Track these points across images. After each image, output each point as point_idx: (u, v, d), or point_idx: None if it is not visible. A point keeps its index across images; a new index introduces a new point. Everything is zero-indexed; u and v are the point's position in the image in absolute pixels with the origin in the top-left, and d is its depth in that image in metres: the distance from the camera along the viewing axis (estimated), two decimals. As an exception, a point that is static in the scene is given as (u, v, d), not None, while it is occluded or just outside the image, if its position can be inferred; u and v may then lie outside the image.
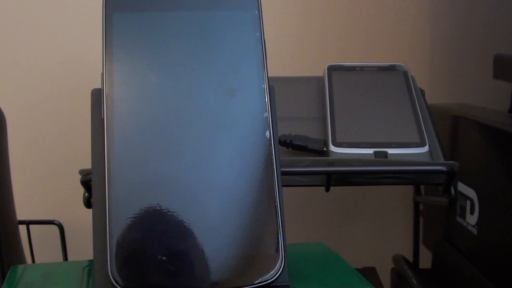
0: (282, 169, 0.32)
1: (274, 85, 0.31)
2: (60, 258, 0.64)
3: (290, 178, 0.44)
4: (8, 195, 0.51)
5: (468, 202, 0.53)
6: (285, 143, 0.47)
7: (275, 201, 0.29)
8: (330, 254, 0.37)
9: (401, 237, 0.77)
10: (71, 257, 0.65)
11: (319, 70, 0.54)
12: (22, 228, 0.57)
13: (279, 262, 0.28)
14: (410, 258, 0.68)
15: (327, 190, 0.44)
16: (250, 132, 0.30)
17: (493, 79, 0.57)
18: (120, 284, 0.27)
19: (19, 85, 0.68)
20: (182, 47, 0.30)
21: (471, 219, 0.52)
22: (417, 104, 0.49)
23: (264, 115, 0.30)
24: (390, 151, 0.45)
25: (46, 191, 0.71)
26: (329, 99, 0.49)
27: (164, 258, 0.27)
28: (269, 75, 0.31)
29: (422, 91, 0.51)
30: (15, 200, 0.54)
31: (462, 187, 0.54)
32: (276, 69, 0.45)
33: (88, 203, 0.38)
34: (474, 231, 0.52)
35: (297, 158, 0.44)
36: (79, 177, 0.38)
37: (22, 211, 0.57)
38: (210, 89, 0.30)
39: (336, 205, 0.77)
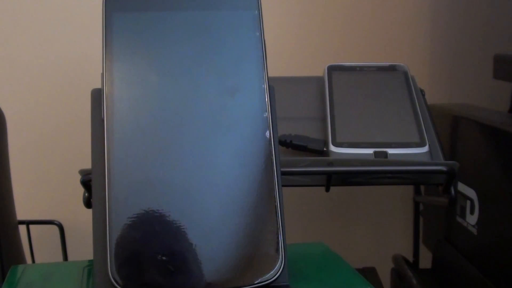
0: (282, 169, 0.32)
1: (274, 85, 0.31)
2: (60, 258, 0.64)
3: (290, 178, 0.44)
4: (8, 195, 0.51)
5: (468, 202, 0.53)
6: (285, 143, 0.47)
7: (275, 201, 0.29)
8: (330, 254, 0.37)
9: (401, 237, 0.77)
10: (71, 257, 0.65)
11: (319, 70, 0.54)
12: (22, 228, 0.57)
13: (279, 262, 0.28)
14: (410, 258, 0.68)
15: (327, 190, 0.44)
16: (250, 132, 0.30)
17: (493, 79, 0.57)
18: (120, 284, 0.27)
19: (19, 85, 0.68)
20: (182, 47, 0.30)
21: (471, 219, 0.52)
22: (417, 104, 0.49)
23: (264, 115, 0.30)
24: (390, 151, 0.45)
25: (46, 191, 0.71)
26: (329, 99, 0.49)
27: (164, 258, 0.27)
28: (269, 75, 0.31)
29: (422, 91, 0.51)
30: (15, 200, 0.54)
31: (462, 187, 0.54)
32: (276, 69, 0.45)
33: (88, 203, 0.38)
34: (474, 231, 0.52)
35: (297, 158, 0.44)
36: (79, 177, 0.38)
37: (22, 211, 0.57)
38: (210, 89, 0.30)
39: (336, 205, 0.77)
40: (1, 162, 0.50)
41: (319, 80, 0.52)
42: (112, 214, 0.28)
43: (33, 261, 0.63)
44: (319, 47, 0.72)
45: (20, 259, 0.53)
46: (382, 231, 0.78)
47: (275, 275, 0.28)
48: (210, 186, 0.29)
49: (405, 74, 0.52)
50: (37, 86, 0.69)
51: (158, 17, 0.31)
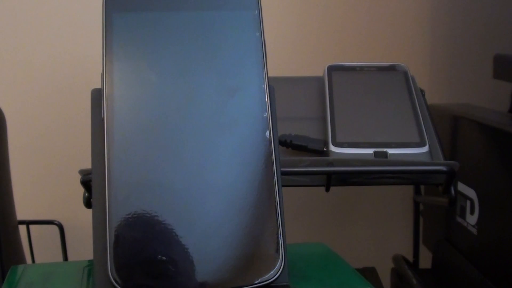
0: (282, 169, 0.32)
1: (274, 85, 0.31)
2: (60, 258, 0.64)
3: (290, 178, 0.44)
4: (8, 195, 0.51)
5: (468, 202, 0.53)
6: (285, 143, 0.47)
7: (275, 201, 0.29)
8: (330, 254, 0.37)
9: (401, 237, 0.77)
10: (71, 257, 0.65)
11: (319, 70, 0.54)
12: (22, 228, 0.57)
13: (279, 262, 0.28)
14: (410, 258, 0.68)
15: (327, 190, 0.44)
16: (250, 132, 0.30)
17: (493, 79, 0.57)
18: (120, 284, 0.27)
19: (19, 85, 0.68)
20: (182, 47, 0.30)
21: (471, 219, 0.52)
22: (417, 104, 0.49)
23: (264, 115, 0.30)
24: (390, 151, 0.45)
25: (46, 191, 0.71)
26: (329, 99, 0.49)
27: (163, 258, 0.27)
28: (269, 75, 0.31)
29: (422, 91, 0.51)
30: (15, 200, 0.54)
31: (462, 187, 0.54)
32: (276, 69, 0.45)
33: (88, 203, 0.38)
34: (474, 231, 0.52)
35: (297, 158, 0.44)
36: (79, 177, 0.38)
37: (22, 211, 0.57)
38: (210, 89, 0.30)
39: (336, 205, 0.77)
40: (1, 162, 0.50)
41: (319, 80, 0.52)
42: (112, 214, 0.28)
43: (33, 261, 0.63)
44: (319, 47, 0.72)
45: (20, 259, 0.53)
46: (382, 231, 0.78)
47: (275, 275, 0.28)
48: (210, 186, 0.29)
49: (405, 74, 0.52)
50: (37, 86, 0.69)
51: (158, 17, 0.31)
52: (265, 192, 0.29)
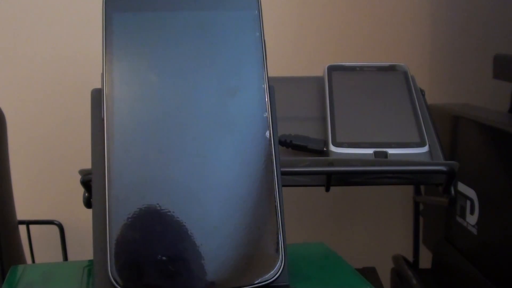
0: (282, 169, 0.32)
1: (274, 85, 0.31)
2: (60, 258, 0.64)
3: (290, 178, 0.44)
4: (8, 195, 0.51)
5: (468, 202, 0.53)
6: (285, 143, 0.47)
7: (275, 201, 0.29)
8: (330, 254, 0.37)
9: (401, 237, 0.77)
10: (71, 257, 0.65)
11: (319, 70, 0.54)
12: (22, 228, 0.57)
13: (279, 262, 0.28)
14: (410, 258, 0.68)
15: (327, 190, 0.44)
16: (250, 132, 0.30)
17: (493, 79, 0.57)
18: (120, 284, 0.27)
19: (19, 85, 0.68)
20: (182, 47, 0.30)
21: (471, 219, 0.52)
22: (417, 104, 0.49)
23: (264, 115, 0.30)
24: (390, 151, 0.45)
25: (46, 191, 0.71)
26: (329, 99, 0.49)
27: (164, 258, 0.27)
28: (269, 75, 0.31)
29: (422, 91, 0.51)
30: (15, 200, 0.54)
31: (462, 187, 0.54)
32: (276, 69, 0.45)
33: (88, 203, 0.38)
34: (474, 231, 0.52)
35: (297, 158, 0.44)
36: (79, 177, 0.38)
37: (22, 211, 0.57)
38: (210, 89, 0.30)
39: (336, 205, 0.77)
40: (1, 162, 0.50)
41: (319, 80, 0.52)
42: (112, 214, 0.28)
43: (33, 261, 0.63)
44: (318, 47, 0.72)
45: (20, 259, 0.53)
46: (382, 231, 0.78)
47: (275, 275, 0.28)
48: (210, 186, 0.29)
49: (405, 74, 0.52)
50: (37, 86, 0.69)
51: (158, 17, 0.31)
52: (265, 192, 0.29)
